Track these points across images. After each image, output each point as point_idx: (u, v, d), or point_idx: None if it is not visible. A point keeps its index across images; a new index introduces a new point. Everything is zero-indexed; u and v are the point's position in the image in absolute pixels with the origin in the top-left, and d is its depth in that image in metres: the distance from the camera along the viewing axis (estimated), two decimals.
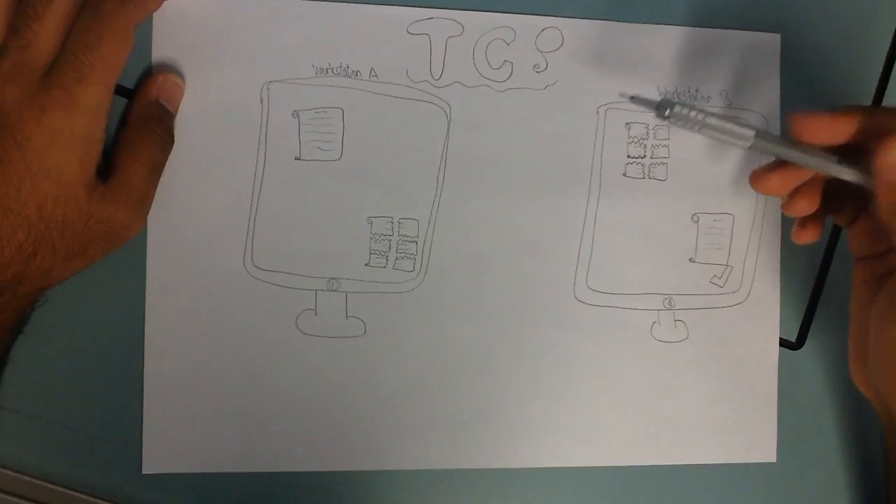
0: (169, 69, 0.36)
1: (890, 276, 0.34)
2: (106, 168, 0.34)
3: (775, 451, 0.40)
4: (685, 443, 0.40)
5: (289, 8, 0.37)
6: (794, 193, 0.35)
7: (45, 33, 0.31)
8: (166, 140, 0.36)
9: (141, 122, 0.35)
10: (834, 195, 0.36)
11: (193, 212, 0.36)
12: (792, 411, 0.41)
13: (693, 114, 0.32)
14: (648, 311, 0.40)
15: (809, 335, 0.41)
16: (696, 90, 0.40)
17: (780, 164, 0.34)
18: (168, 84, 0.36)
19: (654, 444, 0.40)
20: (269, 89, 0.37)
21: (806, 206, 0.35)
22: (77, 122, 0.31)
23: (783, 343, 0.41)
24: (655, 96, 0.40)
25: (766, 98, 0.41)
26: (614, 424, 0.39)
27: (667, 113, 0.31)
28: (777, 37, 0.41)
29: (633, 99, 0.33)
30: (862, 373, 0.36)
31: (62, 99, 0.31)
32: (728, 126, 0.32)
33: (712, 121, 0.32)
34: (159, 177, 0.35)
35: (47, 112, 0.31)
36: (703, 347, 0.40)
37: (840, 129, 0.32)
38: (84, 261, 0.34)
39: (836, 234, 0.42)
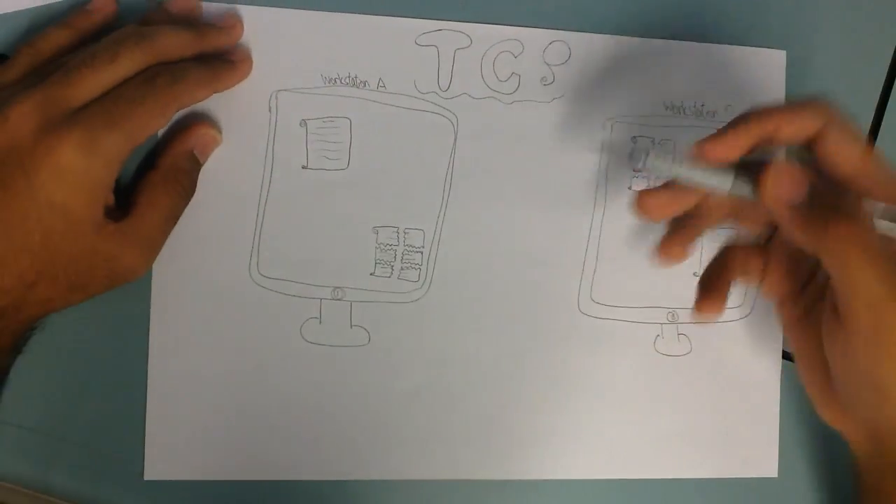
0: None
1: (817, 305, 0.34)
2: (121, 205, 0.34)
3: (776, 467, 0.40)
4: (686, 457, 0.40)
5: (298, 18, 0.37)
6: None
7: (91, 82, 0.31)
8: (190, 192, 0.36)
9: (170, 171, 0.35)
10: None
11: (200, 219, 0.36)
12: (794, 426, 0.41)
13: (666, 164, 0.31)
14: (652, 324, 0.40)
15: None
16: (703, 105, 0.40)
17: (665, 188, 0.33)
18: (207, 138, 0.36)
19: (656, 458, 0.39)
20: (277, 98, 0.37)
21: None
22: (92, 166, 0.31)
23: (790, 357, 0.41)
24: (661, 111, 0.40)
25: None
26: (616, 437, 0.39)
27: (639, 165, 0.31)
28: (783, 53, 0.41)
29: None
30: (833, 409, 0.35)
31: (83, 139, 0.30)
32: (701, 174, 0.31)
33: (683, 171, 0.31)
34: (174, 226, 0.35)
35: (63, 147, 0.30)
36: (706, 361, 0.40)
37: (740, 145, 0.31)
38: (84, 294, 0.33)
39: None
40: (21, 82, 0.32)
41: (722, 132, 0.31)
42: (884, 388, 0.30)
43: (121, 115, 0.31)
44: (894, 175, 0.32)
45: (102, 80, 0.32)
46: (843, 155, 0.31)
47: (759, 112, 0.31)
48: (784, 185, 0.31)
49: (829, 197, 0.31)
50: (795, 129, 0.31)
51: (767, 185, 0.31)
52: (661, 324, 0.40)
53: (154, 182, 0.34)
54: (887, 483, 0.33)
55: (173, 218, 0.35)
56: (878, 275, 0.29)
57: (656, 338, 0.40)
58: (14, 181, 0.30)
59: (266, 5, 0.37)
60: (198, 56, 0.35)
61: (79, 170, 0.30)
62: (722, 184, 0.32)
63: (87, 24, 0.35)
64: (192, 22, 0.36)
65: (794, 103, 0.32)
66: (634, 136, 0.40)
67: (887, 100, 0.42)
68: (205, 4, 0.37)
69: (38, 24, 0.36)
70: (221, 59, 0.36)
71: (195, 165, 0.36)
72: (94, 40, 0.33)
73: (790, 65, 0.41)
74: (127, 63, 0.32)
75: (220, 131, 0.36)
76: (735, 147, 0.31)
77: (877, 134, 0.43)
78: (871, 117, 0.42)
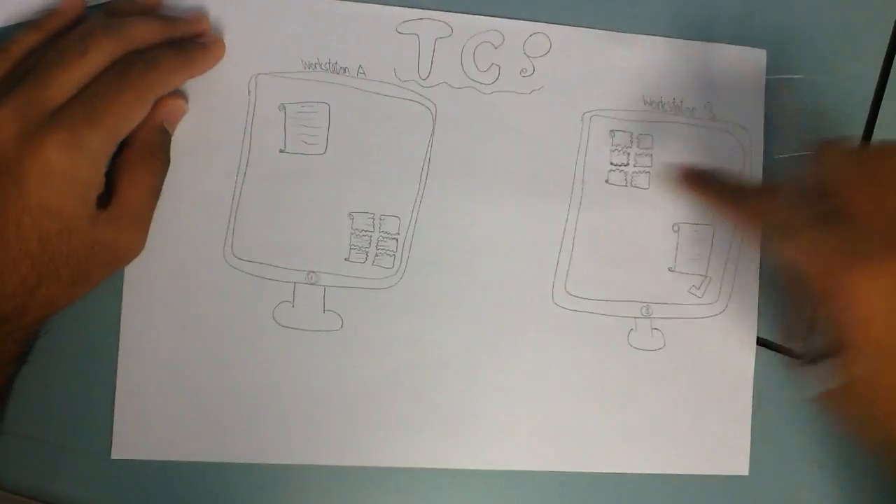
0: None
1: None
2: (105, 189, 0.34)
3: (748, 465, 0.40)
4: (657, 452, 0.40)
5: (280, 1, 0.38)
6: None
7: (65, 81, 0.31)
8: (166, 164, 0.36)
9: (145, 147, 0.35)
10: None
11: (175, 199, 0.36)
12: (766, 424, 0.41)
13: None
14: (626, 318, 0.40)
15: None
16: (682, 101, 0.40)
17: None
18: (174, 108, 0.36)
19: (627, 453, 0.39)
20: (256, 81, 0.37)
21: None
22: (78, 165, 0.31)
23: (782, 350, 0.41)
24: (640, 106, 0.40)
25: (751, 112, 0.41)
26: (586, 430, 0.39)
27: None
28: (763, 52, 0.41)
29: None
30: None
31: (67, 140, 0.30)
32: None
33: None
34: (157, 199, 0.36)
35: (47, 150, 0.30)
36: (679, 357, 0.40)
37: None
38: (88, 286, 0.34)
39: None
40: None
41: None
42: None
43: (101, 111, 0.31)
44: None
45: (76, 77, 0.32)
46: None
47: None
48: None
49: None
50: None
51: None
52: (635, 318, 0.40)
53: (131, 160, 0.34)
54: None
55: (156, 192, 0.35)
56: None
57: (630, 331, 0.40)
58: (4, 191, 0.30)
59: None
60: (169, 42, 0.35)
61: (66, 171, 0.30)
62: None
63: (58, 25, 0.35)
64: (159, 15, 0.36)
65: None
66: (612, 131, 0.40)
67: (879, 105, 0.42)
68: (166, 5, 0.37)
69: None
70: (193, 43, 0.36)
71: (167, 138, 0.36)
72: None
73: (771, 64, 0.41)
74: (97, 56, 0.32)
75: (186, 100, 0.36)
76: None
77: (870, 137, 0.42)
78: (864, 120, 0.42)
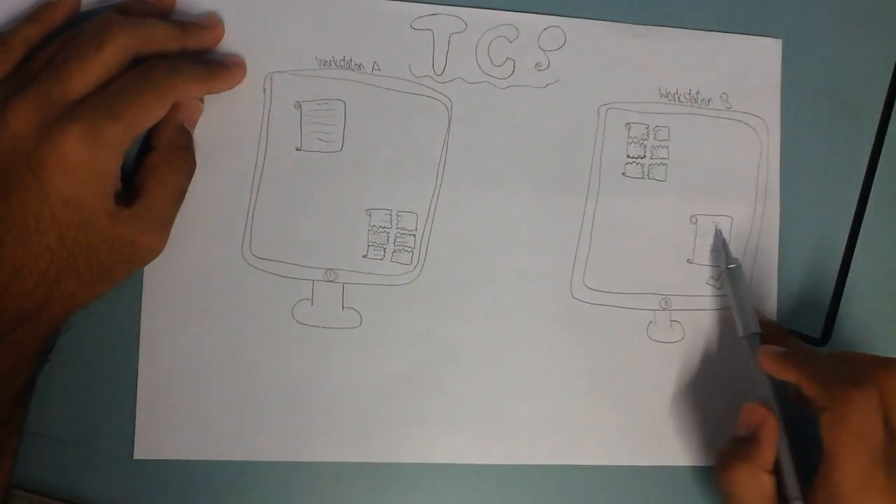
0: None
1: None
2: (128, 189, 0.34)
3: None
4: (678, 445, 0.39)
5: (294, 0, 0.38)
6: None
7: (83, 74, 0.31)
8: (192, 166, 0.36)
9: (170, 150, 0.35)
10: None
11: (193, 199, 0.36)
12: (787, 414, 0.40)
13: None
14: (645, 310, 0.40)
15: (835, 330, 0.41)
16: (697, 92, 0.40)
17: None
18: (192, 108, 0.36)
19: (647, 445, 0.39)
20: (272, 80, 0.37)
21: None
22: (97, 157, 0.31)
23: (808, 339, 0.41)
24: (656, 98, 0.40)
25: (767, 102, 0.41)
26: (607, 424, 0.39)
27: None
28: (779, 42, 0.41)
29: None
30: None
31: (85, 131, 0.30)
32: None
33: None
34: (182, 201, 0.36)
35: (66, 141, 0.30)
36: (699, 349, 0.40)
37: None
38: (108, 284, 0.34)
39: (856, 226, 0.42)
40: (5, 83, 0.32)
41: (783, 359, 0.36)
42: None
43: (121, 105, 0.31)
44: None
45: (92, 71, 0.32)
46: None
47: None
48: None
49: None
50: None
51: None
52: (654, 310, 0.40)
53: (156, 163, 0.35)
54: None
55: (181, 194, 0.36)
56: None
57: (649, 324, 0.40)
58: (24, 183, 0.30)
59: None
60: (186, 55, 0.35)
61: (85, 162, 0.31)
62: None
63: (55, 15, 0.35)
64: (174, 19, 0.36)
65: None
66: (629, 123, 0.40)
67: (895, 93, 0.42)
68: (181, 5, 0.37)
69: None
70: (216, 62, 0.36)
71: (189, 139, 0.36)
72: (64, 31, 0.33)
73: (786, 53, 0.41)
74: (113, 50, 0.32)
75: (202, 99, 0.36)
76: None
77: (886, 126, 0.42)
78: (880, 109, 0.42)
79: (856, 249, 0.42)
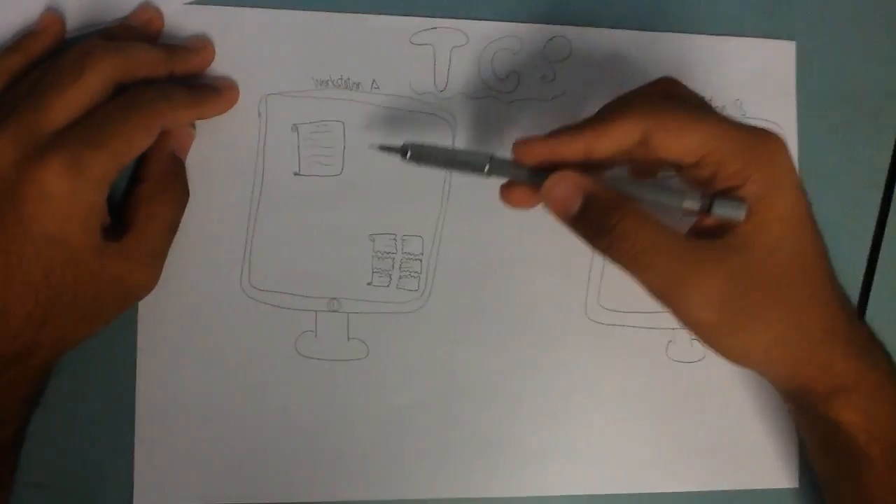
0: None
1: None
2: (118, 223, 0.33)
3: (797, 476, 0.39)
4: (702, 468, 0.38)
5: (288, 18, 0.36)
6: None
7: (63, 103, 0.30)
8: (185, 196, 0.35)
9: (161, 180, 0.34)
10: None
11: (189, 229, 0.35)
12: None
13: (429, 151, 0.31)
14: (663, 330, 0.38)
15: None
16: (710, 99, 0.38)
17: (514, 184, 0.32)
18: (182, 135, 0.35)
19: (670, 470, 0.38)
20: (267, 102, 0.36)
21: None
22: (80, 189, 0.29)
23: None
24: None
25: (782, 107, 0.39)
26: (628, 449, 0.38)
27: (408, 155, 0.31)
28: (792, 44, 0.40)
29: (381, 148, 0.32)
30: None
31: (67, 163, 0.29)
32: (461, 158, 0.31)
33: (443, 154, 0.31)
34: (175, 233, 0.34)
35: (46, 173, 0.29)
36: (720, 368, 0.38)
37: (561, 152, 0.30)
38: (99, 323, 0.33)
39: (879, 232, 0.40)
40: None
41: (541, 138, 0.31)
42: None
43: (104, 134, 0.30)
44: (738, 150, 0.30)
45: (73, 99, 0.30)
46: (674, 149, 0.30)
47: (574, 127, 0.31)
48: (560, 192, 0.30)
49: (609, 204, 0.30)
50: (609, 143, 0.30)
51: (543, 192, 0.30)
52: (673, 329, 0.38)
53: (146, 194, 0.33)
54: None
55: (174, 226, 0.34)
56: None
57: (668, 344, 0.38)
58: (4, 219, 0.29)
59: (253, 6, 0.36)
60: (175, 79, 0.34)
61: (67, 195, 0.29)
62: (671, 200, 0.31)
63: (37, 45, 0.34)
64: (161, 43, 0.35)
65: (607, 118, 0.30)
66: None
67: None
68: (170, 26, 0.35)
69: None
70: (206, 86, 0.35)
71: (181, 167, 0.35)
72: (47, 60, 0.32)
73: (800, 56, 0.40)
74: (95, 76, 0.31)
75: (193, 125, 0.35)
76: (544, 154, 0.30)
77: None
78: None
79: (879, 257, 0.41)
